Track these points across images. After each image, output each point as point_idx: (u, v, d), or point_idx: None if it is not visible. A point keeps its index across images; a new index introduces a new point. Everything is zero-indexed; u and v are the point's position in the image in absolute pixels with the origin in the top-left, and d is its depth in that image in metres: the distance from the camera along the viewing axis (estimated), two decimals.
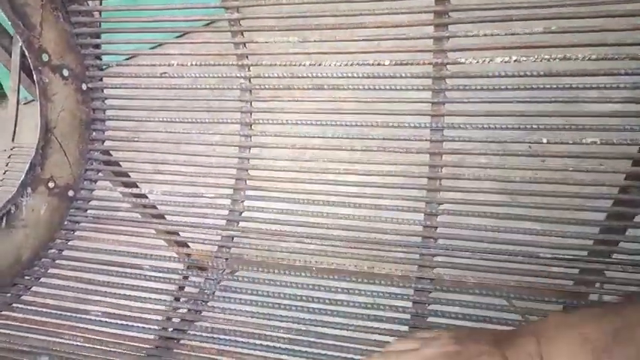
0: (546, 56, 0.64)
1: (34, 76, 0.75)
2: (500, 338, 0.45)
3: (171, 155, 0.83)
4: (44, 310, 0.69)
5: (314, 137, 0.76)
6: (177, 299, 0.71)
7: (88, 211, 0.84)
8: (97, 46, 0.85)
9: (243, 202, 0.78)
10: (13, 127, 0.94)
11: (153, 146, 0.84)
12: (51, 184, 0.79)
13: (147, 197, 0.82)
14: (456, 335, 0.47)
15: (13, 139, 0.95)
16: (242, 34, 0.77)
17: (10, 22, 0.71)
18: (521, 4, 0.63)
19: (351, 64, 0.73)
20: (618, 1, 0.59)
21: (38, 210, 0.77)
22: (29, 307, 0.70)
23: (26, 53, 0.74)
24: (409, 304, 0.63)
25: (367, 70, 0.72)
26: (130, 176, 0.89)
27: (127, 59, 1.43)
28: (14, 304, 0.72)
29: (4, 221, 0.72)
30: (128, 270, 0.74)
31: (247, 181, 0.79)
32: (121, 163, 0.86)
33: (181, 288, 0.75)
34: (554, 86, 0.64)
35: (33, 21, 0.74)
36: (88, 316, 0.66)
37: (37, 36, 0.75)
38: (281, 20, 0.73)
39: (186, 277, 0.73)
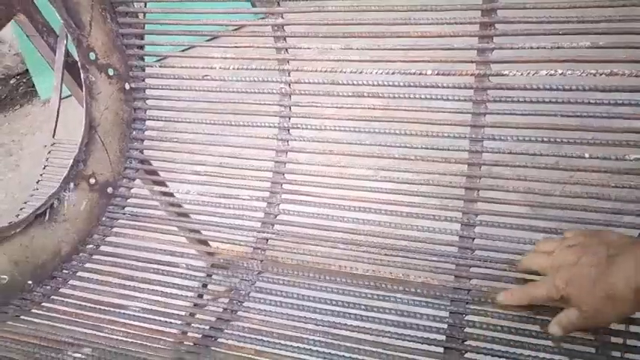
0: (592, 71, 0.64)
1: (82, 74, 0.78)
2: (610, 253, 0.52)
3: (209, 156, 0.84)
4: (83, 303, 0.71)
5: (352, 144, 0.77)
6: (214, 299, 0.72)
7: (126, 209, 0.86)
8: (141, 47, 0.87)
9: (278, 205, 0.79)
10: (55, 124, 0.96)
11: (191, 147, 0.86)
12: (92, 181, 0.81)
13: (181, 197, 0.84)
14: (582, 244, 0.57)
15: (53, 135, 0.97)
16: (285, 40, 0.78)
17: (61, 20, 0.73)
18: (569, 19, 0.63)
19: (393, 73, 0.73)
20: None
21: (79, 205, 0.79)
22: (68, 300, 0.72)
23: (75, 51, 0.76)
24: (446, 313, 0.63)
25: (409, 78, 0.72)
26: (160, 176, 0.91)
27: (163, 59, 1.46)
28: (53, 297, 0.74)
29: (47, 214, 0.73)
30: (164, 267, 0.75)
31: (283, 185, 0.80)
32: (158, 162, 0.87)
33: (213, 288, 0.76)
34: (599, 101, 0.63)
35: (83, 20, 0.77)
36: (126, 311, 0.68)
37: (86, 35, 0.77)
38: (324, 27, 0.74)
39: (220, 278, 0.74)
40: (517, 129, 0.68)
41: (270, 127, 0.81)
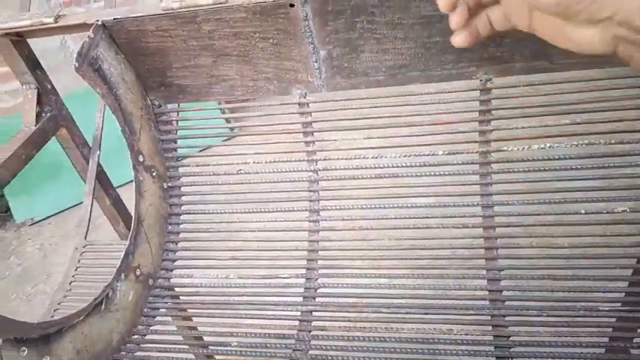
0: (575, 142, 0.80)
1: (133, 174, 0.86)
2: None
3: (246, 242, 0.91)
4: None
5: (378, 219, 0.87)
6: None
7: (165, 299, 0.90)
8: (175, 150, 0.97)
9: (317, 279, 0.86)
10: (87, 227, 1.02)
11: (228, 235, 0.93)
12: (137, 272, 0.86)
13: (222, 282, 0.89)
14: None
15: (85, 237, 1.02)
16: (312, 134, 0.90)
17: (120, 128, 0.83)
18: (551, 102, 0.79)
19: (409, 156, 0.86)
20: (626, 97, 0.76)
21: (127, 296, 0.83)
22: None
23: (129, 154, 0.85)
24: (492, 359, 0.69)
25: (423, 159, 0.85)
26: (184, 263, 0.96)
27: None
28: None
29: (103, 304, 0.77)
30: (216, 347, 0.78)
31: (319, 261, 0.88)
32: (198, 251, 0.93)
33: None
34: (583, 166, 0.78)
35: (135, 128, 0.87)
36: None
37: (137, 140, 0.87)
38: (349, 122, 0.87)
39: (274, 350, 0.78)
40: (520, 194, 0.81)
41: (301, 210, 0.91)
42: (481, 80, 0.80)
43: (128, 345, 0.82)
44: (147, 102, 0.92)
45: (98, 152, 1.05)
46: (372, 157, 0.88)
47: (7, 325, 0.59)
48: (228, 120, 1.71)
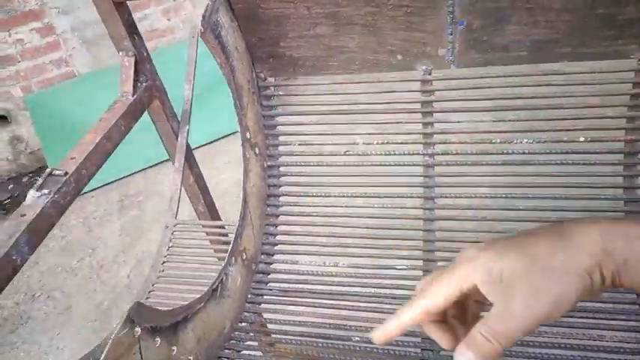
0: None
1: (241, 151, 0.80)
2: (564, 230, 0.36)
3: (355, 229, 0.85)
4: None
5: (504, 209, 0.80)
6: None
7: (269, 284, 0.84)
8: (275, 127, 0.91)
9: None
10: (177, 205, 0.96)
11: (331, 220, 0.87)
12: (244, 256, 0.80)
13: (330, 271, 0.83)
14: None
15: (175, 216, 0.97)
16: (432, 115, 0.83)
17: (233, 101, 0.77)
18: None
19: (543, 142, 0.79)
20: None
21: (236, 281, 0.78)
22: None
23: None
24: None
25: (561, 146, 0.78)
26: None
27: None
28: None
29: (219, 289, 0.72)
30: (335, 342, 0.73)
31: (436, 253, 0.81)
32: (300, 236, 0.88)
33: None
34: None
35: (244, 102, 0.81)
36: None
37: (244, 115, 0.81)
38: (476, 102, 0.80)
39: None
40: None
41: (415, 197, 0.84)
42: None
43: (236, 333, 0.76)
44: (253, 75, 0.85)
45: (187, 127, 0.99)
46: (501, 142, 0.80)
47: (147, 312, 0.54)
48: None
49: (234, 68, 0.77)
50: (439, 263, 0.80)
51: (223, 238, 0.92)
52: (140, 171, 2.81)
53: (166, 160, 2.83)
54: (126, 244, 2.39)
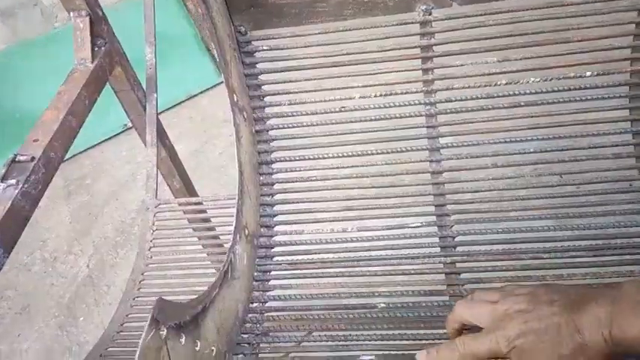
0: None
1: (232, 118, 0.71)
2: (573, 300, 0.43)
3: (359, 190, 0.80)
4: None
5: (515, 154, 0.77)
6: None
7: (274, 258, 0.78)
8: (260, 87, 0.82)
9: (451, 227, 0.76)
10: (155, 184, 0.86)
11: (334, 183, 0.81)
12: (246, 231, 0.73)
13: (335, 237, 0.78)
14: (533, 292, 0.46)
15: (156, 196, 0.87)
16: (432, 60, 0.77)
17: (217, 58, 0.68)
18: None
19: (550, 79, 0.75)
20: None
21: (242, 259, 0.70)
22: None
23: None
24: None
25: (568, 83, 0.75)
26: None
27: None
28: None
29: (229, 271, 0.64)
30: (349, 311, 0.68)
31: (448, 206, 0.78)
32: (300, 203, 0.81)
33: None
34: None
35: (227, 59, 0.71)
36: None
37: (230, 75, 0.72)
38: (481, 42, 0.75)
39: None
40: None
41: (419, 150, 0.79)
42: None
43: (250, 315, 0.70)
44: (232, 28, 0.76)
45: (155, 95, 0.88)
46: (506, 83, 0.76)
47: (170, 309, 0.46)
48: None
49: (215, 21, 0.67)
50: (453, 217, 0.76)
51: (216, 217, 0.84)
52: (82, 152, 2.59)
53: (111, 138, 2.63)
54: (79, 232, 2.22)
